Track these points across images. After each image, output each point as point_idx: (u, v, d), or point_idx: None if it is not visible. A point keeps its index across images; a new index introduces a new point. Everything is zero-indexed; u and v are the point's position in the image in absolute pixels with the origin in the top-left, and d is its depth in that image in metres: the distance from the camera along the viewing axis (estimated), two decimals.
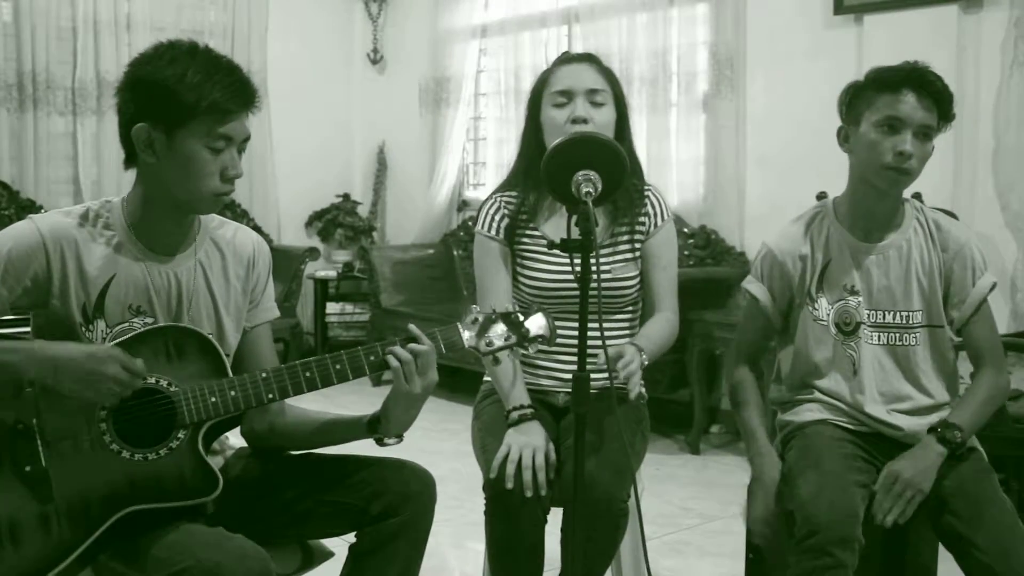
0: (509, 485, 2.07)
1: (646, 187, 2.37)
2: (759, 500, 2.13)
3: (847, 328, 2.18)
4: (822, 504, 1.93)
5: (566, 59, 2.37)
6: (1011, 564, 1.92)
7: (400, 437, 1.89)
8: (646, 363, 2.14)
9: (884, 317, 2.17)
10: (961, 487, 2.05)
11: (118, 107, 1.79)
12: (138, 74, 1.76)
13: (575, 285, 1.81)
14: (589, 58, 2.36)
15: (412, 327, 1.84)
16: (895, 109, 2.06)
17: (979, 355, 2.20)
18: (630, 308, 2.37)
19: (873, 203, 2.17)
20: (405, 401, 1.83)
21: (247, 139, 1.80)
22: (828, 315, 2.19)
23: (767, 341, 2.33)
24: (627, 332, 2.34)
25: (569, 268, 1.85)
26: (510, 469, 2.08)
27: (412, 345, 1.81)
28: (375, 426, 1.88)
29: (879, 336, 2.17)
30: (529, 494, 2.07)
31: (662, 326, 2.32)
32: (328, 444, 1.96)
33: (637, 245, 2.34)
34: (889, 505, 2.01)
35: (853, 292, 2.18)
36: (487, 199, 2.41)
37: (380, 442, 1.90)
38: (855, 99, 2.14)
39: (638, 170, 2.38)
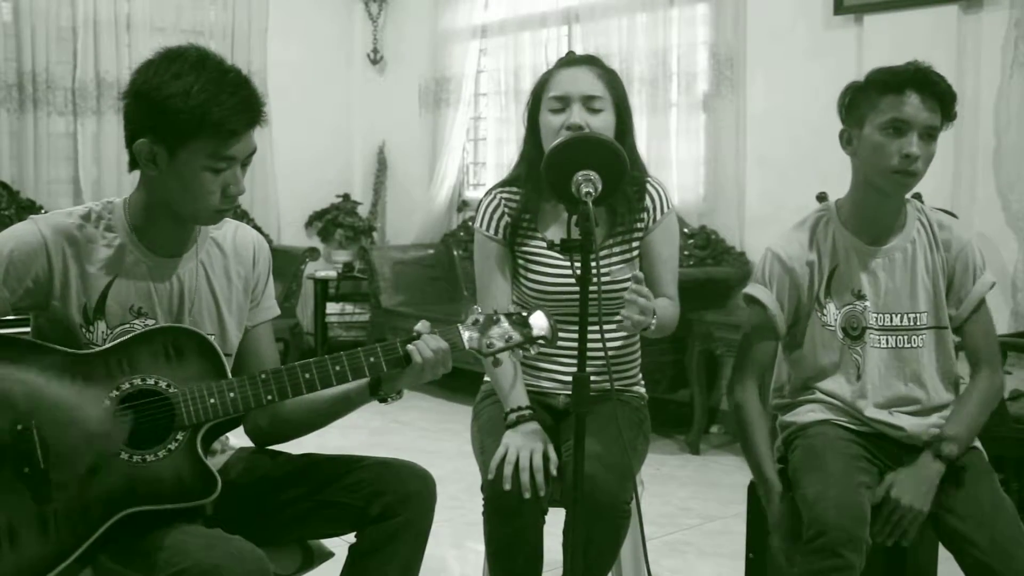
0: (507, 486, 2.07)
1: (647, 179, 2.33)
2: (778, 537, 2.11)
3: (854, 332, 2.17)
4: (830, 505, 1.93)
5: (566, 62, 2.32)
6: (1011, 564, 1.93)
7: (400, 394, 1.89)
8: (654, 325, 2.04)
9: (891, 320, 2.16)
10: (961, 487, 2.06)
11: (123, 112, 1.77)
12: (141, 87, 1.72)
13: (577, 288, 1.81)
14: (590, 60, 2.32)
15: (423, 325, 1.84)
16: (900, 111, 2.04)
17: (976, 354, 2.20)
18: None
19: (877, 206, 2.15)
20: (415, 380, 1.84)
21: (252, 153, 1.78)
22: (836, 320, 2.17)
23: (775, 354, 2.25)
24: (626, 334, 2.32)
25: (571, 271, 1.84)
26: (507, 471, 2.08)
27: (430, 340, 1.81)
28: (376, 387, 1.88)
29: (885, 339, 2.16)
30: (527, 495, 2.07)
31: (666, 304, 2.27)
32: (332, 418, 1.95)
33: (635, 244, 2.32)
34: (890, 530, 2.02)
35: (860, 297, 2.16)
36: (487, 194, 2.38)
37: (383, 400, 1.89)
38: (856, 101, 2.12)
39: (642, 172, 2.34)
